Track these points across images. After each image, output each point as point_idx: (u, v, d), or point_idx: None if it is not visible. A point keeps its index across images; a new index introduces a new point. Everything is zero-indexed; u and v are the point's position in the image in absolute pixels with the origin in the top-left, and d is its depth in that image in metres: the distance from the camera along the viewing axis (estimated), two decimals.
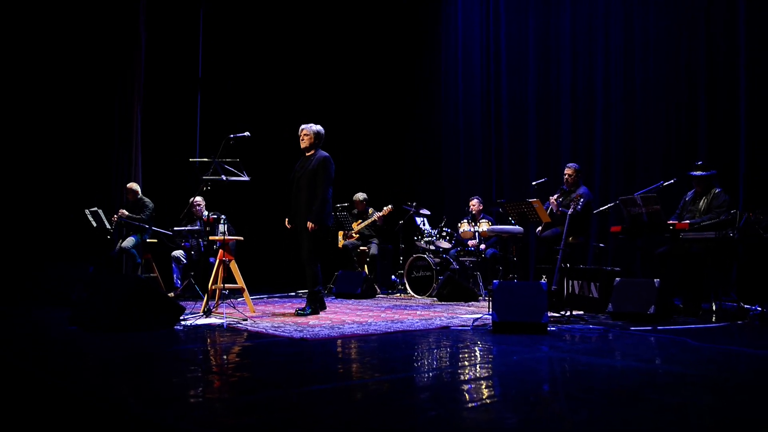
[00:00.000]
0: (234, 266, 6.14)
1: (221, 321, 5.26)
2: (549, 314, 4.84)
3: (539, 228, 7.25)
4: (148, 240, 8.12)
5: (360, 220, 9.26)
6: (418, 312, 6.30)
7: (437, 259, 8.38)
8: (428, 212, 9.10)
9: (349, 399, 2.66)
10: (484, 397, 2.70)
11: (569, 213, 5.92)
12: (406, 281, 8.56)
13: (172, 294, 7.75)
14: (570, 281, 6.45)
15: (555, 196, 7.06)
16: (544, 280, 6.43)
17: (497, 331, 4.70)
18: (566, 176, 7.16)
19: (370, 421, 2.29)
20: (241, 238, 6.93)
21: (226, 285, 6.11)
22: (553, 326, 5.00)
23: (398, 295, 8.72)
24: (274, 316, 5.78)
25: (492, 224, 8.43)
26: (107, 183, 9.05)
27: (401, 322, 5.31)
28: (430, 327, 5.04)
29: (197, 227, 8.02)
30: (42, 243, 8.24)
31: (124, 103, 9.22)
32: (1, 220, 8.11)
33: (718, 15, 7.68)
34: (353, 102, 11.59)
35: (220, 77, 10.37)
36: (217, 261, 6.05)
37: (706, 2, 7.76)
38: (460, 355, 3.76)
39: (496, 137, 10.28)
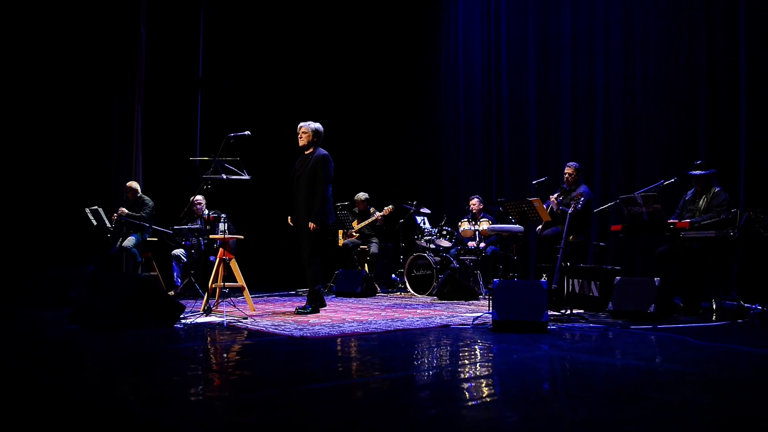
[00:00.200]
0: (234, 265, 6.14)
1: (221, 319, 5.26)
2: (549, 313, 4.84)
3: (539, 227, 7.25)
4: (148, 239, 8.12)
5: (361, 220, 9.26)
6: (419, 311, 6.30)
7: (437, 258, 8.38)
8: (428, 211, 9.10)
9: (349, 397, 2.66)
10: (484, 395, 2.70)
11: (570, 212, 5.92)
12: (406, 280, 8.56)
13: (172, 292, 7.76)
14: (570, 280, 6.45)
15: (555, 195, 7.06)
16: (544, 278, 6.43)
17: (497, 330, 4.70)
18: (566, 175, 7.16)
19: (371, 419, 2.29)
20: (242, 237, 6.93)
21: (226, 283, 6.11)
22: (553, 325, 5.00)
23: (398, 293, 8.72)
24: (274, 315, 5.78)
25: (492, 223, 8.43)
26: (108, 182, 9.05)
27: (401, 321, 5.31)
28: (431, 326, 5.04)
29: (197, 226, 8.03)
30: (42, 242, 8.24)
31: (124, 103, 9.22)
32: (1, 220, 8.10)
33: (718, 14, 7.67)
34: (354, 102, 11.59)
35: (220, 76, 10.37)
36: (218, 259, 6.06)
37: (705, 2, 7.75)
38: (460, 354, 3.76)
39: (497, 136, 10.28)
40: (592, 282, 6.28)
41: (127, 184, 8.27)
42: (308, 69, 11.19)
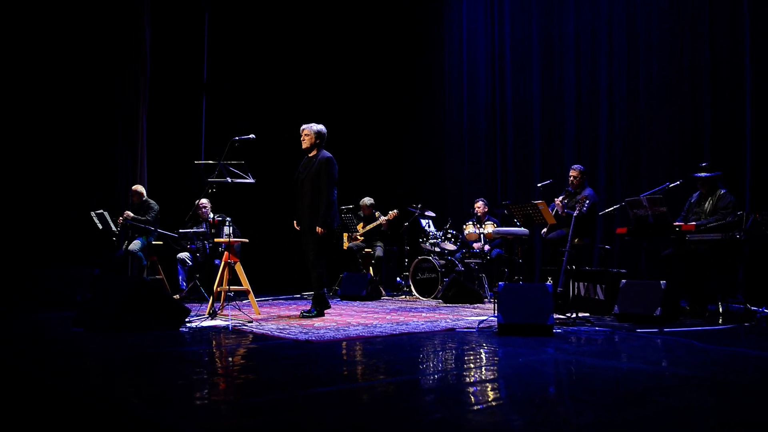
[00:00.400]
0: (239, 268, 6.15)
1: (226, 323, 5.26)
2: (554, 316, 4.83)
3: (544, 230, 7.24)
4: (153, 242, 8.13)
5: (366, 224, 9.26)
6: (423, 314, 6.30)
7: (442, 261, 8.38)
8: (433, 214, 9.09)
9: (354, 401, 2.66)
10: (489, 399, 2.69)
11: (575, 215, 5.90)
12: (411, 283, 8.55)
13: (177, 296, 7.77)
14: (575, 283, 6.43)
15: (560, 198, 7.04)
16: (549, 282, 6.41)
17: (503, 333, 4.69)
18: (571, 178, 7.15)
19: (376, 423, 2.29)
20: (246, 240, 6.94)
21: (231, 287, 6.12)
22: (558, 328, 4.98)
23: (403, 297, 8.72)
24: (279, 318, 5.78)
25: (497, 226, 8.42)
26: (112, 185, 9.08)
27: (406, 324, 5.30)
28: (436, 329, 5.03)
29: (203, 229, 8.04)
30: (47, 245, 8.27)
31: (129, 106, 9.25)
32: (6, 223, 8.14)
33: (721, 15, 7.65)
34: (357, 104, 11.60)
35: (224, 80, 10.40)
36: (223, 263, 6.06)
37: (709, 3, 7.73)
38: (466, 358, 3.75)
39: (501, 139, 10.28)
40: (598, 285, 6.26)
41: (133, 187, 8.29)
42: (312, 71, 11.21)
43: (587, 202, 6.27)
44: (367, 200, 9.36)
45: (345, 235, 9.44)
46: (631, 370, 3.32)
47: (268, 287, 9.29)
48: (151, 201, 8.14)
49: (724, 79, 7.61)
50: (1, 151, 8.25)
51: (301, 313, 6.00)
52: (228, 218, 6.36)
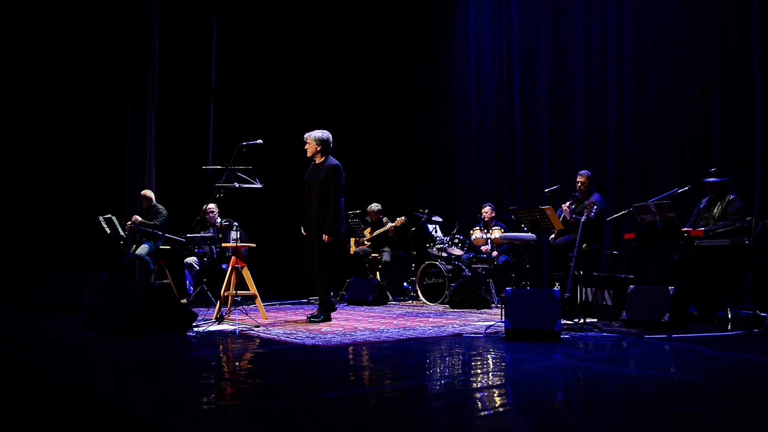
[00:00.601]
0: (246, 273, 6.16)
1: (234, 328, 5.27)
2: (562, 322, 4.81)
3: (552, 235, 7.22)
4: (161, 247, 8.16)
5: (373, 229, 9.26)
6: (431, 319, 6.28)
7: (449, 266, 8.36)
8: (440, 219, 9.09)
9: (361, 406, 2.65)
10: (496, 405, 2.68)
11: (582, 220, 5.88)
12: (418, 288, 8.54)
13: (184, 300, 7.79)
14: (583, 289, 6.40)
15: (567, 204, 7.03)
16: (557, 287, 6.39)
17: (510, 339, 4.67)
18: (579, 183, 7.13)
19: (383, 428, 2.29)
20: (254, 245, 6.95)
21: (238, 292, 6.13)
22: (566, 334, 4.96)
23: (410, 302, 8.70)
24: (286, 323, 5.78)
25: (504, 231, 8.40)
26: (121, 190, 9.12)
27: (413, 330, 5.29)
28: (443, 334, 5.02)
29: (210, 234, 8.06)
30: (55, 249, 8.31)
31: (137, 111, 9.30)
32: (14, 227, 8.18)
33: (731, 19, 7.63)
34: (365, 109, 11.62)
35: (232, 85, 10.44)
36: (230, 268, 6.08)
37: (719, 7, 7.71)
38: (473, 363, 3.74)
39: (509, 143, 10.27)
40: (606, 291, 6.23)
41: (142, 192, 8.33)
42: (320, 78, 11.24)
43: (595, 207, 6.25)
44: (375, 206, 9.36)
45: (352, 240, 9.45)
46: (640, 377, 3.30)
47: (275, 292, 9.29)
48: (160, 206, 8.17)
49: (733, 84, 7.57)
50: (10, 154, 8.31)
51: (308, 317, 6.00)
52: (235, 223, 6.37)
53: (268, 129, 9.62)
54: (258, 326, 5.41)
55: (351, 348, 4.30)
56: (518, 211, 6.59)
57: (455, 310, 7.49)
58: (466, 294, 7.64)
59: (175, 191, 9.24)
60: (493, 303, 7.92)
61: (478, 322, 6.00)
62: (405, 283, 9.52)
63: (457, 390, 3.02)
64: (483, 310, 7.36)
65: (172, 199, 8.75)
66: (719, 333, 5.11)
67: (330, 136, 6.09)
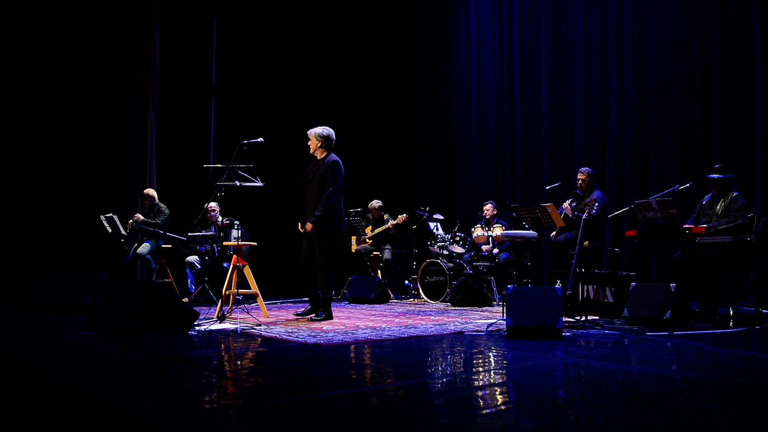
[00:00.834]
0: (248, 271, 6.16)
1: (235, 326, 5.27)
2: (564, 319, 4.81)
3: (553, 233, 7.22)
4: (162, 245, 8.17)
5: (374, 227, 9.26)
6: (432, 317, 6.29)
7: (451, 264, 8.36)
8: (441, 217, 9.09)
9: (363, 405, 2.66)
10: (498, 403, 2.68)
11: (584, 217, 5.88)
12: (419, 286, 8.54)
13: (186, 299, 7.79)
14: (585, 286, 6.41)
15: (569, 201, 7.02)
16: (558, 285, 6.39)
17: (511, 337, 4.67)
18: (579, 181, 7.13)
19: (384, 427, 2.29)
20: (255, 244, 6.95)
21: (240, 290, 6.13)
22: (567, 331, 4.96)
23: (412, 300, 8.71)
24: (287, 322, 5.79)
25: (506, 229, 8.40)
26: (122, 189, 9.12)
27: (415, 328, 5.30)
28: (444, 332, 5.02)
29: (211, 233, 8.06)
30: (56, 248, 8.31)
31: (138, 110, 9.29)
32: (16, 226, 8.19)
33: (731, 18, 7.61)
34: (366, 107, 11.61)
35: (233, 84, 10.43)
36: (231, 266, 6.08)
37: (719, 6, 7.70)
38: (474, 361, 3.74)
39: (509, 142, 10.26)
40: (607, 288, 6.23)
41: (145, 191, 8.34)
42: (321, 76, 11.23)
43: (596, 204, 6.25)
44: (376, 203, 9.36)
45: (353, 238, 9.45)
46: (642, 374, 3.30)
47: (276, 290, 9.30)
48: (162, 205, 8.18)
49: (733, 82, 7.56)
50: (11, 154, 8.31)
51: (307, 313, 6.00)
52: (237, 221, 6.38)
53: (269, 127, 9.61)
54: (259, 325, 5.42)
55: (352, 346, 4.31)
56: (520, 209, 6.59)
57: (457, 308, 7.49)
58: (467, 292, 7.65)
59: (177, 190, 9.24)
60: (495, 301, 7.92)
61: (479, 319, 6.01)
62: (406, 281, 9.52)
63: (458, 388, 3.02)
64: (484, 308, 7.36)
65: (174, 198, 8.75)
66: (721, 330, 5.11)
67: (332, 132, 6.09)
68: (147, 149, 9.28)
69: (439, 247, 8.68)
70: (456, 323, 5.67)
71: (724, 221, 5.88)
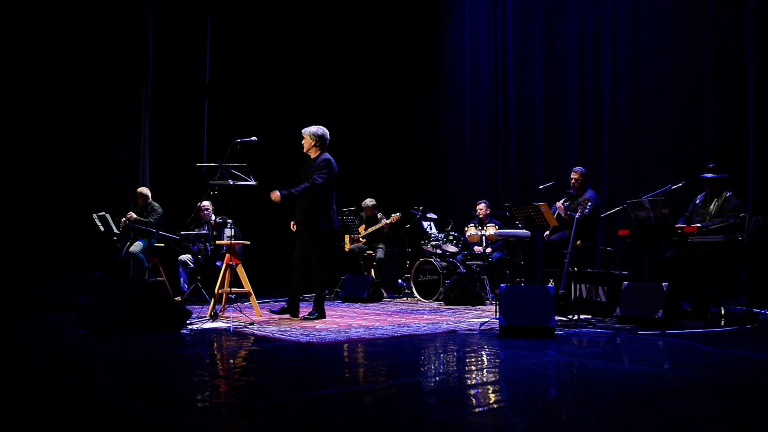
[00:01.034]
0: (241, 270, 6.15)
1: (228, 325, 5.26)
2: (556, 318, 4.82)
3: (546, 232, 7.23)
4: (155, 244, 8.14)
5: (368, 225, 9.26)
6: (425, 316, 6.29)
7: (444, 263, 8.37)
8: (435, 216, 9.09)
9: (355, 404, 2.65)
10: (491, 401, 2.69)
11: (577, 217, 5.90)
12: (412, 285, 8.55)
13: (179, 298, 7.78)
14: (577, 285, 6.42)
15: (562, 201, 7.04)
16: (551, 284, 6.39)
17: (504, 336, 4.68)
18: (573, 180, 7.15)
19: (377, 425, 2.29)
20: (248, 243, 6.93)
21: (232, 289, 6.11)
22: (560, 330, 4.97)
23: (405, 299, 8.71)
24: (280, 321, 5.78)
25: (499, 228, 8.42)
26: (115, 187, 9.10)
27: (408, 327, 5.30)
28: (437, 331, 5.02)
29: (204, 231, 8.04)
30: (49, 247, 8.28)
31: (131, 108, 9.26)
32: (8, 225, 8.15)
33: (725, 19, 7.64)
34: (360, 106, 11.61)
35: (227, 82, 10.41)
36: (224, 265, 6.07)
37: (713, 6, 7.72)
38: (467, 360, 3.75)
39: (503, 141, 10.27)
40: (600, 287, 6.25)
41: (138, 189, 8.31)
42: (315, 74, 11.22)
43: (589, 204, 6.26)
44: (369, 201, 9.35)
45: (347, 237, 9.44)
46: (634, 373, 3.32)
47: (269, 289, 9.28)
48: (155, 204, 8.15)
49: (727, 82, 7.59)
50: (3, 153, 8.27)
51: (281, 309, 6.02)
52: (230, 220, 6.36)
53: (263, 126, 9.58)
54: (252, 324, 5.41)
55: (345, 345, 4.30)
56: (513, 208, 6.60)
57: (450, 307, 7.50)
58: (460, 291, 7.65)
59: (170, 189, 9.21)
60: (488, 300, 7.93)
61: (472, 318, 6.01)
62: (400, 280, 9.52)
63: (451, 387, 3.03)
64: (477, 307, 7.37)
65: (167, 197, 8.73)
66: (712, 329, 5.13)
67: (326, 132, 6.08)
68: (140, 147, 9.25)
69: (433, 246, 8.68)
70: (449, 322, 5.68)
71: (717, 221, 5.90)
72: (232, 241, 6.09)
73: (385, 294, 8.71)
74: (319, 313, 5.90)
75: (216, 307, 5.85)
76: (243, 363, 3.74)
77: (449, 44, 11.33)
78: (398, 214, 8.94)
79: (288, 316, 6.02)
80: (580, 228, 5.95)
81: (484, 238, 8.34)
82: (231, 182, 5.88)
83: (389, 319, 6.00)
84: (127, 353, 3.94)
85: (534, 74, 9.87)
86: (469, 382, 3.11)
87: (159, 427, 2.28)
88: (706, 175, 6.17)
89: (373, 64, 11.72)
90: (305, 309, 6.24)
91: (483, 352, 3.99)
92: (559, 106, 9.49)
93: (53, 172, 8.59)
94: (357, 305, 7.67)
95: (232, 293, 6.13)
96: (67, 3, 8.71)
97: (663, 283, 5.44)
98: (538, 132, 9.73)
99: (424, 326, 5.34)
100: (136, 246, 7.82)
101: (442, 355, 3.94)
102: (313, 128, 6.05)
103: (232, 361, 3.81)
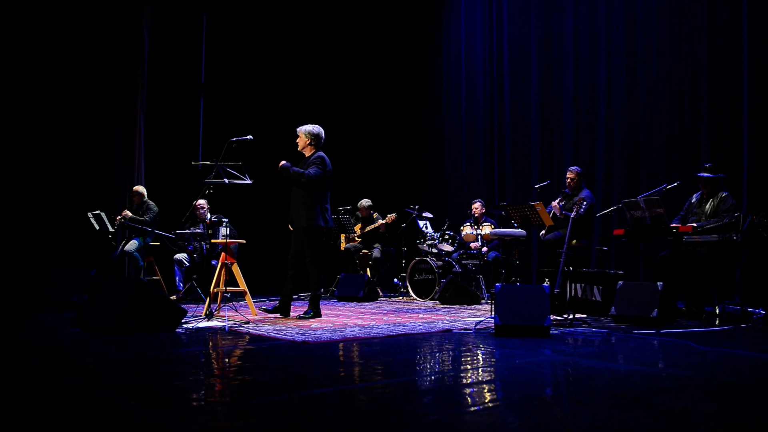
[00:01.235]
0: (236, 269, 6.14)
1: (223, 324, 5.25)
2: (552, 317, 4.83)
3: (542, 231, 7.25)
4: (150, 243, 8.12)
5: (364, 225, 9.25)
6: (421, 315, 6.29)
7: (440, 262, 8.37)
8: (431, 215, 9.09)
9: (351, 403, 2.65)
10: (486, 401, 2.69)
11: (572, 216, 5.91)
12: (408, 284, 8.55)
13: (174, 297, 7.76)
14: (573, 284, 6.43)
15: (557, 200, 7.04)
16: (546, 283, 6.41)
17: (500, 335, 4.68)
18: (568, 180, 7.16)
19: (372, 425, 2.28)
20: (243, 241, 6.92)
21: (228, 288, 6.11)
22: (555, 330, 4.98)
23: (400, 298, 8.71)
24: (276, 319, 5.77)
25: (494, 227, 8.42)
26: (111, 186, 9.07)
27: (403, 326, 5.30)
28: (433, 330, 5.02)
29: (200, 230, 8.03)
30: (44, 245, 8.25)
31: (127, 107, 9.24)
32: (4, 224, 8.12)
33: (720, 18, 7.66)
34: (356, 105, 11.60)
35: (222, 81, 10.39)
36: (220, 264, 6.06)
37: (708, 6, 7.74)
38: (463, 359, 3.75)
39: (499, 140, 10.28)
40: (595, 286, 6.26)
41: (134, 188, 8.29)
42: (311, 73, 11.21)
43: (584, 203, 6.27)
44: (365, 201, 9.35)
45: (342, 236, 9.44)
46: (629, 372, 3.32)
47: (265, 288, 9.27)
48: (151, 202, 8.13)
49: (722, 81, 7.61)
50: None
51: (274, 308, 6.01)
52: (225, 219, 6.35)
53: (259, 125, 9.58)
54: (247, 322, 5.40)
55: (341, 344, 4.30)
56: (508, 207, 6.61)
57: (445, 306, 7.50)
58: (456, 290, 7.66)
59: (165, 187, 9.19)
60: (483, 299, 7.94)
61: (468, 318, 6.02)
62: (395, 279, 9.52)
63: (447, 386, 3.03)
64: (473, 306, 7.38)
65: (162, 196, 8.71)
66: (707, 328, 5.15)
67: (322, 131, 6.08)
68: (135, 146, 9.23)
69: (429, 245, 8.69)
70: (444, 321, 5.68)
71: (712, 221, 5.92)
72: (228, 240, 6.08)
73: (380, 293, 8.71)
74: (314, 312, 5.89)
75: (211, 306, 5.84)
76: (238, 362, 3.74)
77: (446, 44, 11.33)
78: (394, 214, 8.94)
79: (279, 315, 6.00)
80: (575, 227, 5.96)
81: (479, 237, 8.35)
82: (226, 181, 5.87)
83: (385, 318, 6.00)
84: (124, 352, 3.93)
85: (530, 73, 9.88)
86: (464, 381, 3.11)
87: (155, 426, 2.27)
88: (702, 174, 6.18)
89: (368, 62, 11.71)
90: (301, 308, 6.24)
91: (478, 351, 3.99)
92: (555, 105, 9.50)
93: (48, 170, 8.57)
94: (352, 304, 7.67)
95: (227, 292, 6.13)
96: (63, 2, 8.68)
97: (658, 283, 5.46)
98: (534, 131, 9.74)
99: (419, 325, 5.34)
100: (132, 245, 7.80)
101: (437, 354, 3.94)
102: (308, 127, 6.06)
103: (227, 360, 3.81)
